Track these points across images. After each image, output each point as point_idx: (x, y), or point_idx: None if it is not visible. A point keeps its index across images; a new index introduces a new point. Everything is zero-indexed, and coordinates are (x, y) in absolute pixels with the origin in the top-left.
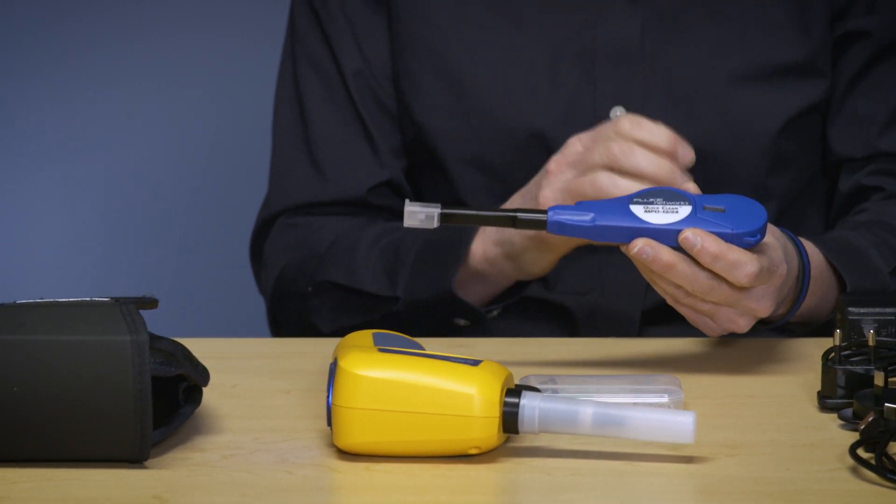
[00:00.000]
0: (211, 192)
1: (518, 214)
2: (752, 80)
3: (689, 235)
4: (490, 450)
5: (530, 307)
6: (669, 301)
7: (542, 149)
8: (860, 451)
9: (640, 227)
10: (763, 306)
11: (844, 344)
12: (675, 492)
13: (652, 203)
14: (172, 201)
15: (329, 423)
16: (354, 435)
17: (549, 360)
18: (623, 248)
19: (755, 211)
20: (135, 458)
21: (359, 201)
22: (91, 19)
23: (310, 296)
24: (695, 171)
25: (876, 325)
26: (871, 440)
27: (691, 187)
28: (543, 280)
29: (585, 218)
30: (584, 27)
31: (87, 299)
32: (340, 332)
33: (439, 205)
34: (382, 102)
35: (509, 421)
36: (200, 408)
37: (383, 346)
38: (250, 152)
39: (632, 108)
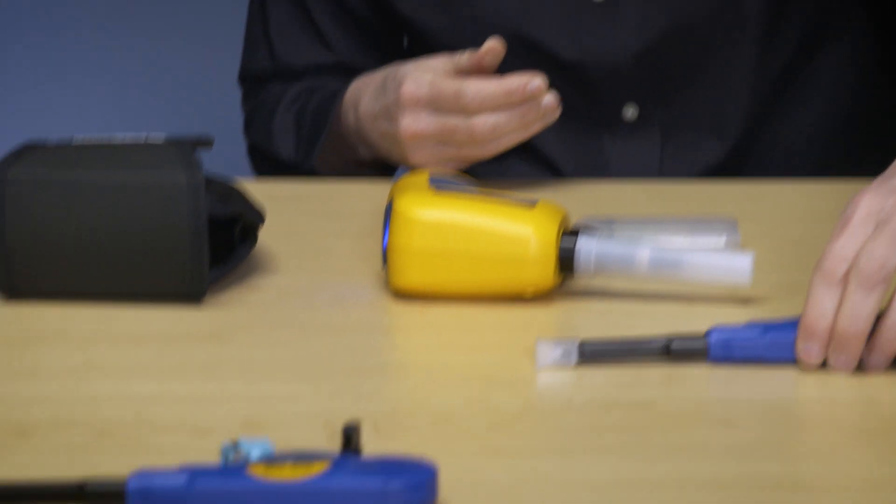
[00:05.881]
0: None
1: None
2: None
3: None
4: (546, 291)
5: None
6: None
7: (528, 49)
8: None
9: None
10: None
11: None
12: None
13: None
14: None
15: (384, 265)
16: (409, 276)
17: (607, 203)
18: None
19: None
20: (191, 295)
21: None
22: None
23: (251, 155)
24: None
25: None
26: None
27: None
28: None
29: None
30: None
31: (143, 136)
32: None
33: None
34: None
35: (565, 262)
36: (256, 249)
37: (440, 187)
38: None
39: None
